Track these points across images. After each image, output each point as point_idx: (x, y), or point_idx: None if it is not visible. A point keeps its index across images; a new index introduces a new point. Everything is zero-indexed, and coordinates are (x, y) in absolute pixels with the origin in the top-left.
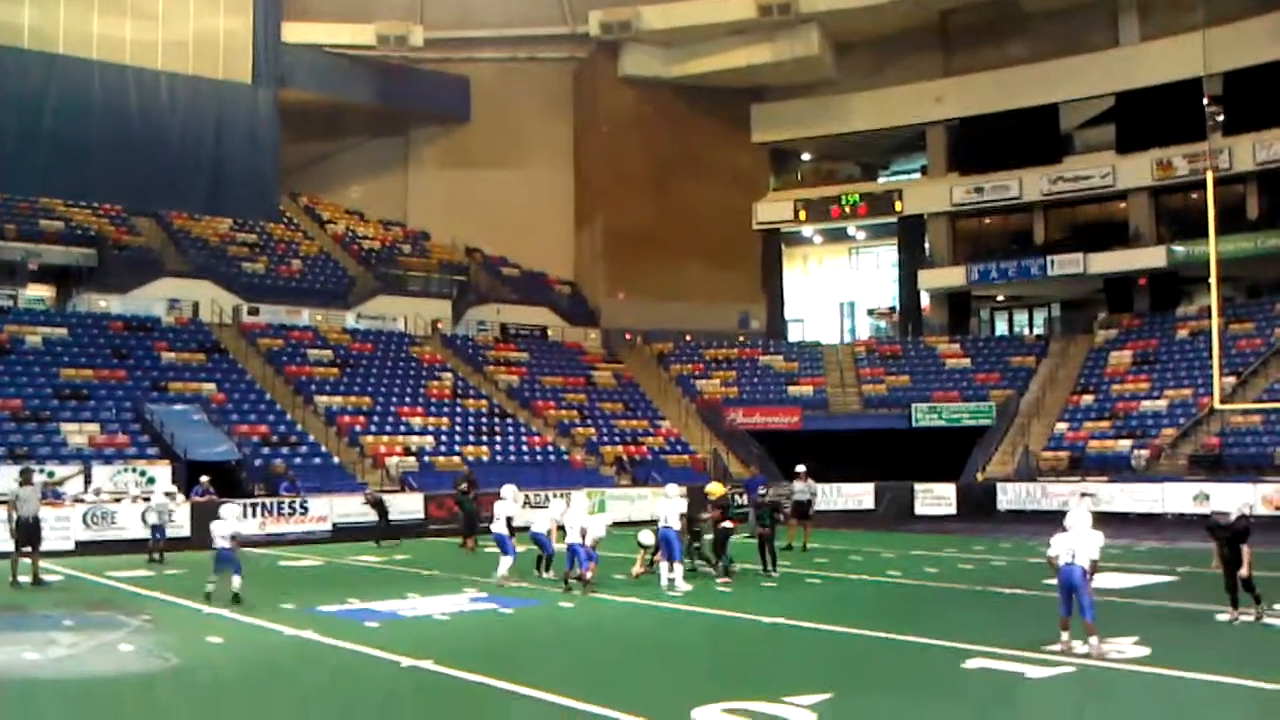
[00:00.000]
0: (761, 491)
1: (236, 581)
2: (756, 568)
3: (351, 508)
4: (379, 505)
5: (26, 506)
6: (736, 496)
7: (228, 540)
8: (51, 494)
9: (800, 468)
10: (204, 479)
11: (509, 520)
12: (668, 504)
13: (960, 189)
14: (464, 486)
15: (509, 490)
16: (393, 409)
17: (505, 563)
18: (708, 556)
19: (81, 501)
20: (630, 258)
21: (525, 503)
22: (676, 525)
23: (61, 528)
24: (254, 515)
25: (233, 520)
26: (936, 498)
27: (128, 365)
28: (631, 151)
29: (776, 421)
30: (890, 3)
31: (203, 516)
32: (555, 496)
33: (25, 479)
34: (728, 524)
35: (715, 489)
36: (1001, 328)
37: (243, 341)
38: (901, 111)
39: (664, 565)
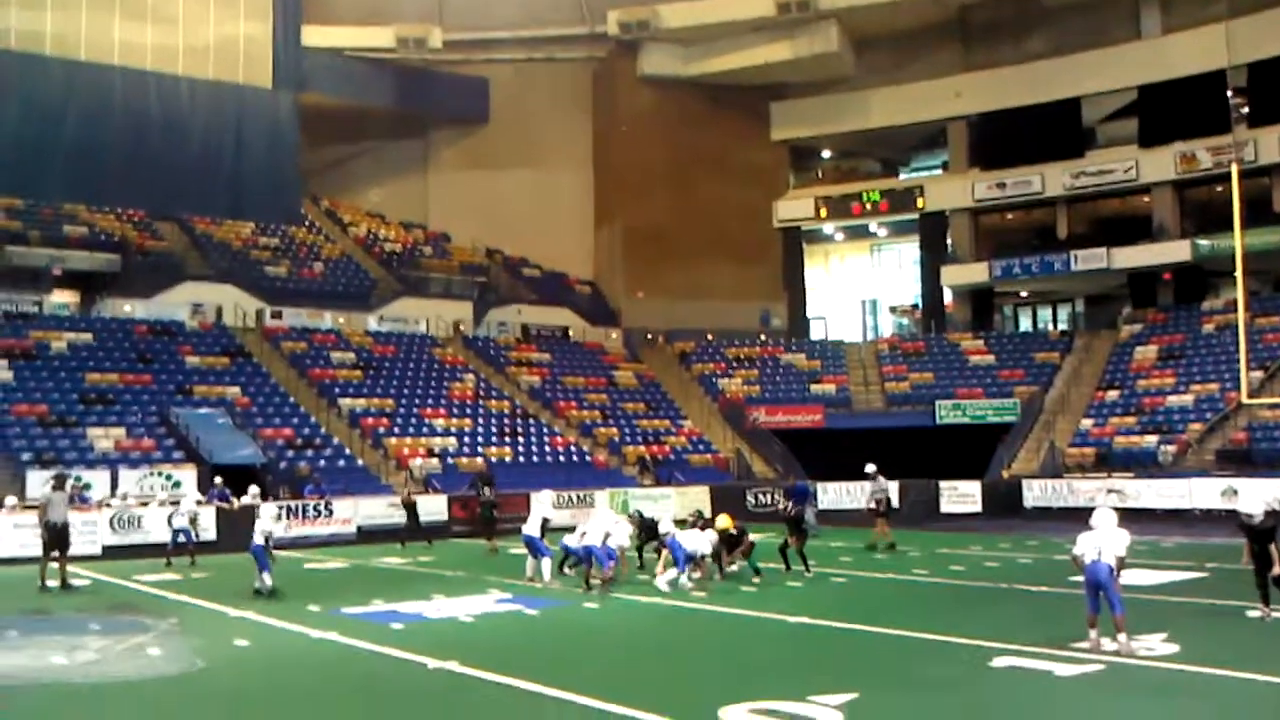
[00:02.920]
0: (783, 505)
1: (267, 578)
2: (780, 567)
3: (377, 509)
4: (411, 508)
5: (56, 511)
6: (777, 497)
7: (260, 538)
8: (79, 498)
9: (870, 467)
10: (218, 480)
11: (545, 522)
12: (699, 536)
13: (982, 184)
14: (487, 491)
15: (545, 495)
16: (415, 411)
17: (545, 565)
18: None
19: (109, 506)
20: (650, 257)
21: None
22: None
23: (89, 532)
24: (280, 518)
25: (267, 520)
26: (961, 495)
27: (153, 370)
28: (651, 151)
29: (799, 420)
30: None
31: (228, 521)
32: (583, 515)
33: (58, 484)
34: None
35: (725, 521)
36: (1025, 324)
37: (266, 345)
38: (922, 107)
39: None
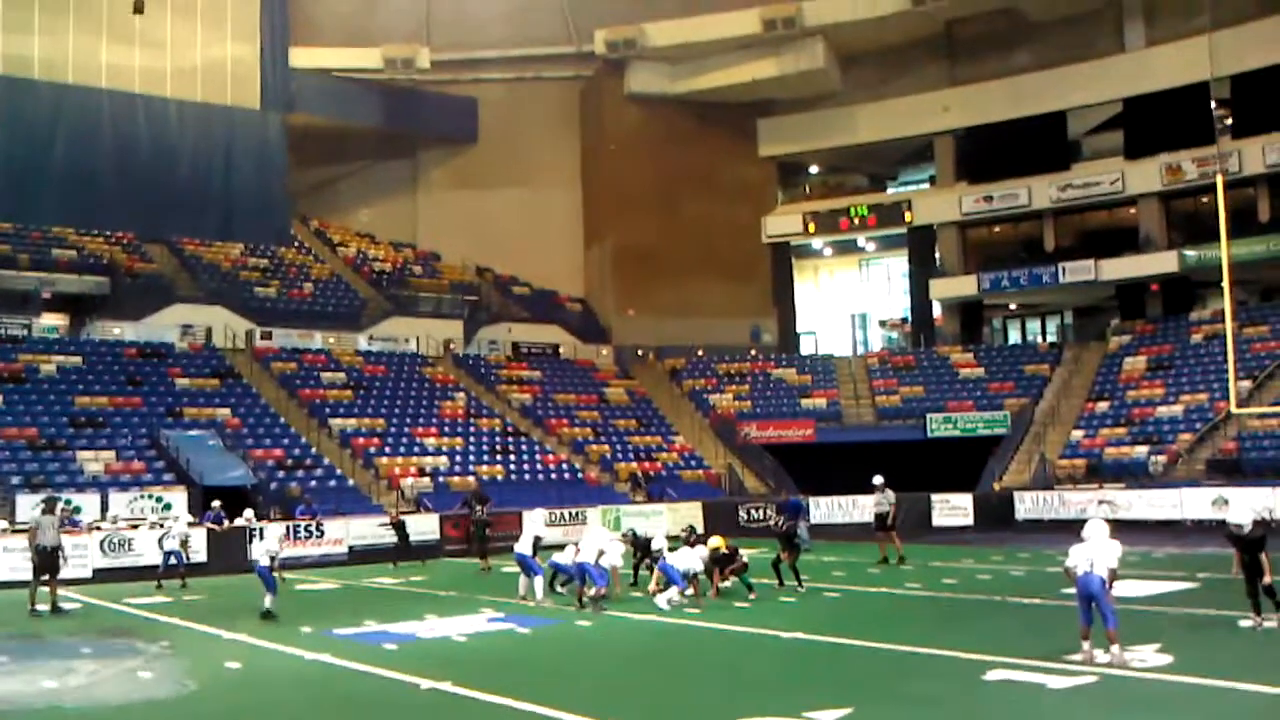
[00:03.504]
0: (774, 521)
1: (268, 600)
2: (772, 582)
3: (368, 530)
4: (400, 528)
5: (46, 535)
6: (770, 512)
7: (265, 558)
8: (69, 521)
9: (877, 479)
10: (216, 504)
11: (536, 541)
12: (690, 554)
13: (969, 198)
14: (480, 510)
15: (537, 513)
16: (406, 430)
17: (538, 583)
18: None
19: (99, 529)
20: (640, 274)
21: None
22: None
23: (79, 555)
24: (282, 540)
25: (272, 541)
26: (953, 508)
27: (142, 392)
28: (639, 168)
29: (790, 435)
30: (895, 14)
31: (220, 543)
32: (575, 540)
33: (48, 507)
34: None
35: (718, 541)
36: (1014, 336)
37: (256, 366)
38: (908, 122)
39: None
